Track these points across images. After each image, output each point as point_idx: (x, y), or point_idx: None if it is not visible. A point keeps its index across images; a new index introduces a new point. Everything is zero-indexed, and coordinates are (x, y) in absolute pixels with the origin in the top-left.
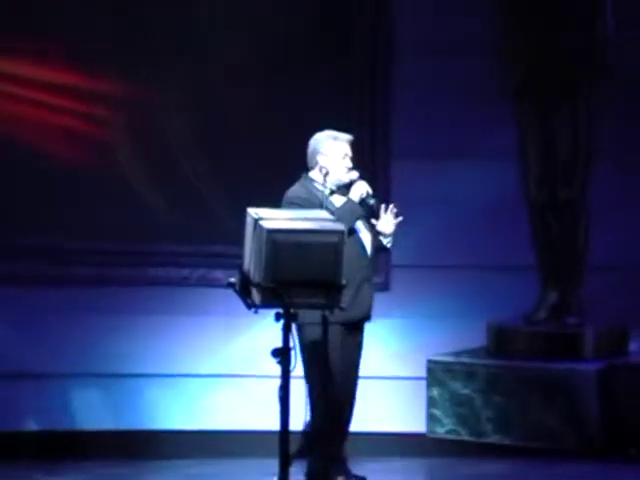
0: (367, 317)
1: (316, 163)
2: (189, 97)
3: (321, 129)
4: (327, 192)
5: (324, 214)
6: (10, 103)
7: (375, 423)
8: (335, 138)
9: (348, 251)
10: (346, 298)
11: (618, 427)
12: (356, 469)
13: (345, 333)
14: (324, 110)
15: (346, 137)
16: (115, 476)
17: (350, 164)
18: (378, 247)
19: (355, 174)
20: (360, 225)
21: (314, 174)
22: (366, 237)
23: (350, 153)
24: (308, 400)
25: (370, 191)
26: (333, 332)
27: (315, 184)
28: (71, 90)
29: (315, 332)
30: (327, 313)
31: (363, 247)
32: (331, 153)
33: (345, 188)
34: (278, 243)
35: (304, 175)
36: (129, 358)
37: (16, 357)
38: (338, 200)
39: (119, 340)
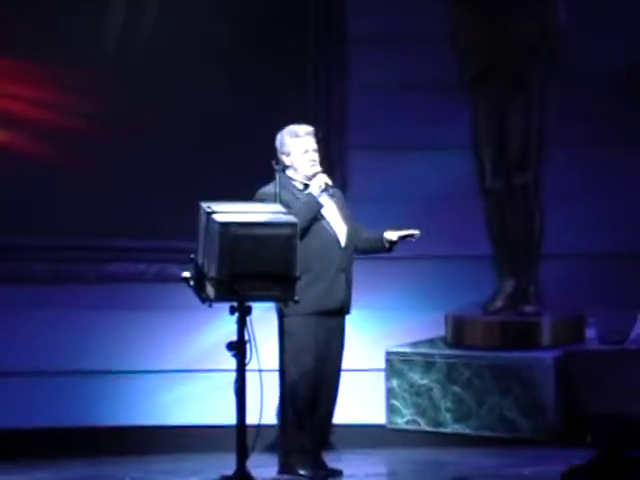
0: (344, 307)
1: (282, 160)
2: (144, 87)
3: (277, 126)
4: (300, 186)
5: (277, 207)
6: None
7: (335, 415)
8: (294, 135)
9: (317, 242)
10: (318, 290)
11: (575, 414)
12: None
13: (320, 323)
14: (279, 106)
15: (305, 130)
16: (84, 474)
17: (314, 156)
18: (377, 246)
19: (317, 168)
20: (333, 216)
21: (288, 171)
22: (340, 228)
23: (313, 145)
24: (280, 391)
25: (329, 182)
26: (309, 322)
27: (291, 181)
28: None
29: (293, 323)
30: (286, 305)
31: (335, 238)
32: (292, 151)
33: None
34: (231, 236)
35: (279, 173)
36: (85, 355)
37: None
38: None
39: (75, 337)
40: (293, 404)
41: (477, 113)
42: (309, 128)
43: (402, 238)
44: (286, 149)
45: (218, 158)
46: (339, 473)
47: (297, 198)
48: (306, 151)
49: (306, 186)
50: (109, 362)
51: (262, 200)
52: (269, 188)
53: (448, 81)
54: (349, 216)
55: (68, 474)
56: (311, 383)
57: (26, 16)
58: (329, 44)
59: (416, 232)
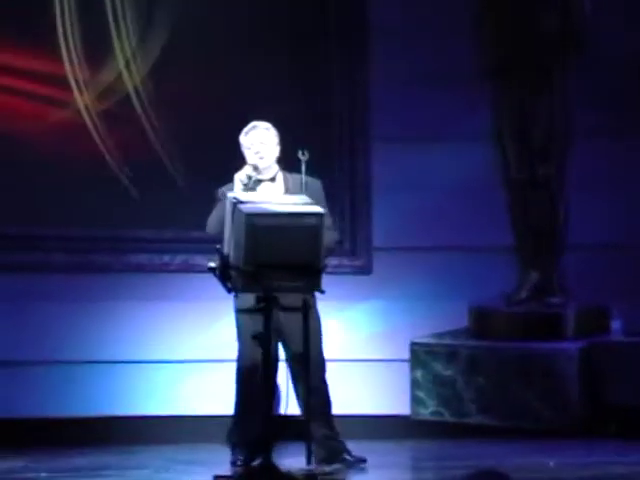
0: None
1: (244, 159)
2: (166, 82)
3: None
4: (249, 183)
5: (303, 197)
6: None
7: (359, 406)
8: (245, 133)
9: None
10: None
11: (599, 405)
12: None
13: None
14: (305, 99)
15: (249, 127)
16: (91, 463)
17: (260, 149)
18: None
19: (259, 161)
20: None
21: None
22: None
23: (260, 139)
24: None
25: (251, 174)
26: (244, 317)
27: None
28: (34, 74)
29: (243, 318)
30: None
31: None
32: (244, 147)
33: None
34: (257, 227)
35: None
36: (109, 345)
37: None
38: (266, 188)
39: (99, 327)
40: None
41: (500, 104)
42: (256, 123)
43: None
44: (242, 146)
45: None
46: (363, 461)
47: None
48: (251, 145)
49: (260, 181)
50: (133, 352)
51: (219, 196)
52: (228, 186)
53: (470, 72)
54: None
55: (94, 461)
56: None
57: None
58: (352, 35)
59: None
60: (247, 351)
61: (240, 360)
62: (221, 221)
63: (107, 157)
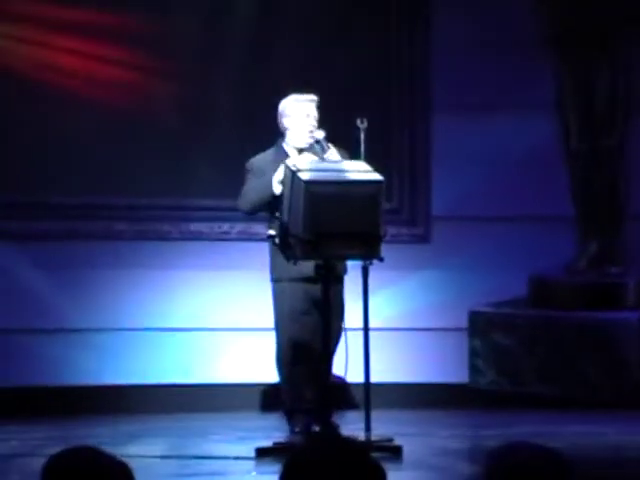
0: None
1: (284, 126)
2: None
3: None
4: (296, 152)
5: (363, 165)
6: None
7: (417, 374)
8: (297, 100)
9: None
10: None
11: None
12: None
13: (301, 289)
14: (364, 67)
15: (308, 98)
16: (147, 430)
17: (314, 123)
18: None
19: (321, 133)
20: None
21: (286, 138)
22: None
23: (314, 113)
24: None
25: (320, 137)
26: (295, 288)
27: (285, 147)
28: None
29: (278, 288)
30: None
31: None
32: (294, 114)
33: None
34: (316, 195)
35: (278, 140)
36: (169, 313)
37: (56, 312)
38: (307, 158)
39: (159, 295)
40: (285, 364)
41: (562, 73)
42: (312, 96)
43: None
44: (288, 111)
45: None
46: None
47: (274, 170)
48: (307, 115)
49: (301, 150)
50: (193, 320)
51: (248, 171)
52: (264, 156)
53: (533, 40)
54: None
55: (127, 429)
56: (298, 344)
57: None
58: (413, 3)
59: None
60: (287, 322)
61: (282, 329)
62: (259, 194)
63: (169, 126)
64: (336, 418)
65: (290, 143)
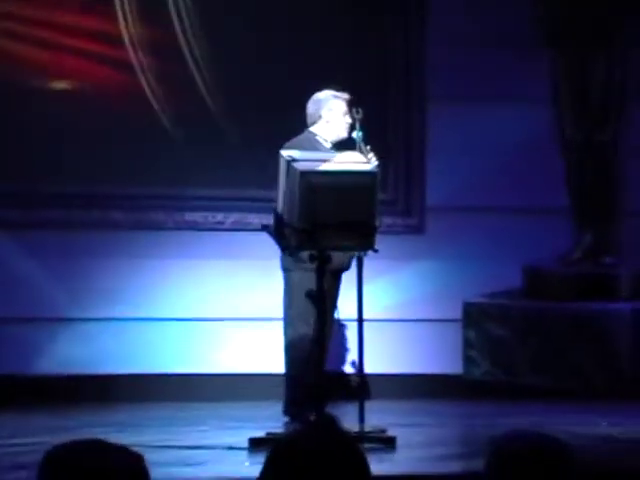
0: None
1: (319, 117)
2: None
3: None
4: (328, 145)
5: (358, 156)
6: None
7: (412, 365)
8: (336, 96)
9: None
10: None
11: None
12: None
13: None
14: (359, 55)
15: (346, 96)
16: (165, 415)
17: (350, 121)
18: None
19: (359, 134)
20: None
21: (316, 129)
22: None
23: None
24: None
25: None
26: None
27: (317, 137)
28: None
29: (295, 277)
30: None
31: None
32: (335, 109)
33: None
34: (311, 185)
35: (306, 130)
36: (163, 302)
37: (52, 301)
38: (353, 157)
39: (153, 284)
40: (298, 356)
41: (558, 66)
42: (348, 95)
43: None
44: (330, 105)
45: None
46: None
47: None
48: (346, 113)
49: (332, 146)
50: (186, 310)
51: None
52: (301, 142)
53: (530, 33)
54: None
55: (149, 415)
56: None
57: None
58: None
59: None
60: (298, 310)
61: (292, 319)
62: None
63: (162, 116)
64: (331, 409)
65: (323, 135)
